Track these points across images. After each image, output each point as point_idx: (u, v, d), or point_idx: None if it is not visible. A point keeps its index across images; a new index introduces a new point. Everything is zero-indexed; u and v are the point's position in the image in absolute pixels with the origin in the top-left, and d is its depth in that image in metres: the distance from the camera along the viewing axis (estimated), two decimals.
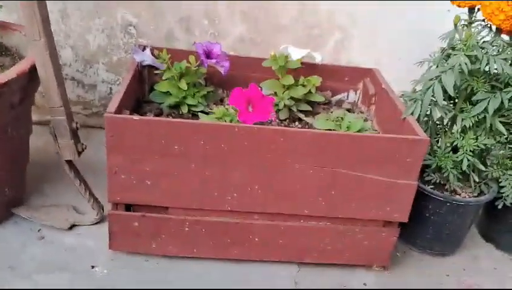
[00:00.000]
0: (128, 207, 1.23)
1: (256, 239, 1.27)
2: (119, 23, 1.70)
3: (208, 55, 1.34)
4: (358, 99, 1.57)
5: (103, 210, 1.39)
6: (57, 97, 1.19)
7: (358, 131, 1.25)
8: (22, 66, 1.18)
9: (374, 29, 1.75)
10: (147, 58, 1.36)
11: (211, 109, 1.39)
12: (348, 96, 1.57)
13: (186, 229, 1.24)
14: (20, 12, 1.12)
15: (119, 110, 1.12)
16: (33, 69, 1.19)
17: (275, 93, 1.40)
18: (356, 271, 1.35)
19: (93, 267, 1.26)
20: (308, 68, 1.47)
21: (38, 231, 1.35)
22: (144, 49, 1.39)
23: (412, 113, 1.25)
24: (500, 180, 1.37)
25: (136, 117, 1.09)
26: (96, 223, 1.39)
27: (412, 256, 1.45)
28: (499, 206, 1.41)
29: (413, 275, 1.38)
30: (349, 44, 1.78)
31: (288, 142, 1.13)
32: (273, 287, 1.27)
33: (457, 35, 1.27)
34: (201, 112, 1.35)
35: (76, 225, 1.38)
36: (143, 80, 1.40)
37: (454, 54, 1.22)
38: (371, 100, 1.48)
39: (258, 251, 1.29)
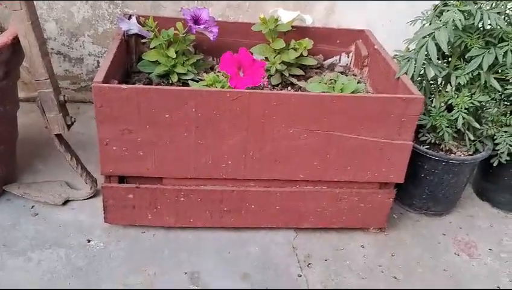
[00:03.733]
0: (122, 179, 1.21)
1: (253, 206, 1.26)
2: None
3: (196, 21, 1.30)
4: (350, 62, 1.54)
5: (96, 184, 1.37)
6: (43, 69, 1.16)
7: (352, 92, 1.22)
8: (3, 38, 1.15)
9: None
10: (133, 26, 1.32)
11: (201, 77, 1.36)
12: (340, 60, 1.54)
13: (182, 199, 1.22)
14: None
15: (106, 80, 1.09)
16: (16, 41, 1.15)
17: (266, 58, 1.37)
18: (354, 234, 1.35)
19: (89, 241, 1.25)
20: (298, 32, 1.44)
21: (32, 207, 1.33)
22: (129, 17, 1.35)
23: (406, 73, 1.23)
24: (495, 137, 1.36)
25: (124, 86, 1.06)
26: (90, 198, 1.37)
27: (409, 217, 1.45)
28: (494, 164, 1.41)
29: (410, 236, 1.38)
30: (338, 7, 1.74)
31: (282, 106, 1.11)
32: (272, 254, 1.26)
33: None
34: (192, 80, 1.32)
35: (70, 200, 1.36)
36: (130, 49, 1.37)
37: (448, 10, 1.19)
38: (364, 62, 1.45)
39: (255, 217, 1.28)
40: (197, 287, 1.15)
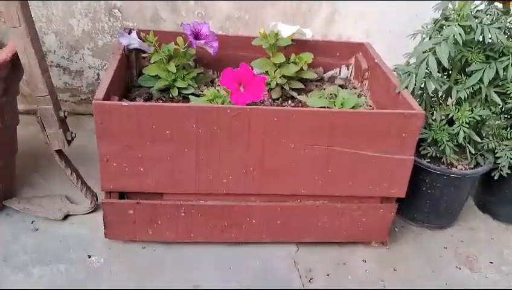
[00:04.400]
0: (122, 195, 1.21)
1: (254, 221, 1.25)
2: (102, 6, 1.65)
3: (196, 35, 1.31)
4: (350, 75, 1.54)
5: (97, 198, 1.37)
6: (42, 85, 1.15)
7: (353, 107, 1.22)
8: (2, 55, 1.14)
9: (362, 1, 1.71)
10: (133, 41, 1.32)
11: (201, 91, 1.36)
12: (340, 72, 1.54)
13: (182, 214, 1.22)
14: None
15: (107, 97, 1.08)
16: (15, 58, 1.15)
17: (266, 72, 1.37)
18: (355, 248, 1.35)
19: (89, 256, 1.24)
20: (298, 45, 1.44)
21: (32, 222, 1.32)
22: (130, 32, 1.35)
23: (406, 87, 1.23)
24: (496, 151, 1.36)
25: (125, 103, 1.06)
26: (90, 212, 1.36)
27: (411, 230, 1.45)
28: (495, 177, 1.41)
29: (412, 250, 1.38)
30: (338, 17, 1.74)
31: (282, 122, 1.11)
32: (273, 269, 1.26)
33: (450, 5, 1.24)
34: (192, 94, 1.32)
35: (70, 215, 1.35)
36: (130, 64, 1.37)
37: (448, 25, 1.19)
38: (364, 75, 1.45)
39: (256, 232, 1.27)
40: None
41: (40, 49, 1.14)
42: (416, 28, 1.37)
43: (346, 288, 1.20)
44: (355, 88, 1.48)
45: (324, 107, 1.24)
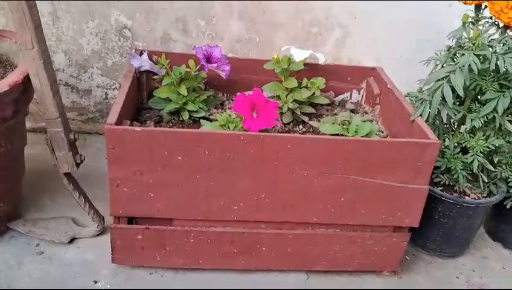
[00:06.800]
0: (131, 220, 1.18)
1: (264, 248, 1.23)
2: (113, 25, 1.64)
3: (208, 59, 1.30)
4: (361, 99, 1.53)
5: (104, 222, 1.34)
6: (53, 108, 1.14)
7: (367, 135, 1.21)
8: (14, 77, 1.13)
9: (374, 25, 1.71)
10: (144, 63, 1.31)
11: (211, 114, 1.35)
12: (351, 96, 1.53)
13: (191, 240, 1.20)
14: (11, 19, 1.06)
15: (119, 121, 1.07)
16: (26, 80, 1.13)
17: (278, 96, 1.35)
18: (366, 277, 1.32)
19: (95, 282, 1.22)
20: (309, 68, 1.43)
21: (37, 245, 1.30)
22: (141, 54, 1.34)
23: (420, 115, 1.22)
24: (509, 180, 1.34)
25: (137, 128, 1.05)
26: (97, 236, 1.34)
27: (422, 259, 1.42)
28: (508, 206, 1.39)
29: (424, 279, 1.35)
30: (349, 41, 1.74)
31: (296, 149, 1.09)
32: None
33: (465, 34, 1.23)
34: (203, 117, 1.31)
35: (76, 238, 1.33)
36: (141, 86, 1.35)
37: (462, 54, 1.19)
38: (376, 100, 1.44)
39: (266, 260, 1.25)
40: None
41: (52, 72, 1.13)
42: (426, 53, 1.37)
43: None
44: (366, 113, 1.47)
45: (337, 134, 1.22)
